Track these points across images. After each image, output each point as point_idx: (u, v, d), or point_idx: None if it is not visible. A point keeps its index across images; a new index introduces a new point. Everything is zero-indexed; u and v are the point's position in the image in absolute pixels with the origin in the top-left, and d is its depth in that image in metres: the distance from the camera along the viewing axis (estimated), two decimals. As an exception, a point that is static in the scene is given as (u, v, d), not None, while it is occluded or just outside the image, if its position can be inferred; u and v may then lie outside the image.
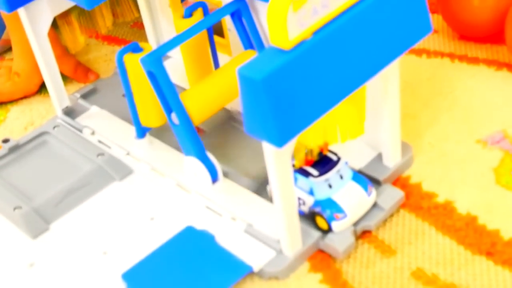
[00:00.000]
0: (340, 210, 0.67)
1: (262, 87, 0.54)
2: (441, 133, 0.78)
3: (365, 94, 0.68)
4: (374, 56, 0.61)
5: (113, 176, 0.77)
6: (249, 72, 0.55)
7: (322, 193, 0.68)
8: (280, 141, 0.56)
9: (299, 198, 0.69)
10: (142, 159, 0.79)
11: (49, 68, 0.83)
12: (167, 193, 0.75)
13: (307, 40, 0.56)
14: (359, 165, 0.74)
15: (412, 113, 0.81)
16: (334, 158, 0.69)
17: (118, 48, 1.00)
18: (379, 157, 0.74)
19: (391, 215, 0.71)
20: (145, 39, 0.96)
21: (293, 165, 0.67)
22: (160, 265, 0.67)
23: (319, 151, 0.68)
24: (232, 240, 0.69)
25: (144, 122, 0.78)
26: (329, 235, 0.67)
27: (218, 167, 0.73)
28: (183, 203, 0.73)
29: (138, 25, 1.04)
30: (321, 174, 0.67)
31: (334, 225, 0.67)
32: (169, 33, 0.91)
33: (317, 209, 0.68)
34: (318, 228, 0.69)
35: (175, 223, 0.71)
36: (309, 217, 0.69)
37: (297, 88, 0.56)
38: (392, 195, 0.71)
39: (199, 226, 0.70)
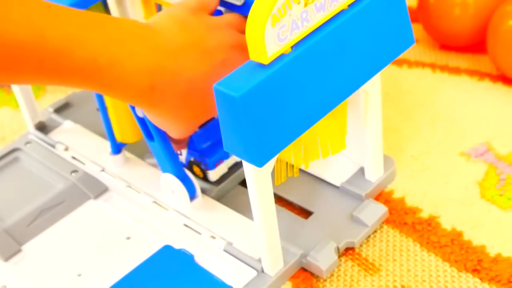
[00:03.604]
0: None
1: (240, 104, 0.52)
2: (424, 146, 0.77)
3: (346, 108, 0.66)
4: (356, 70, 0.59)
5: (87, 194, 0.75)
6: (226, 88, 0.53)
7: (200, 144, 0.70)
8: (260, 161, 0.54)
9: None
10: (117, 176, 0.77)
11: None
12: (143, 211, 0.73)
13: (286, 54, 0.55)
14: (340, 180, 0.72)
15: (393, 125, 0.80)
16: None
17: (92, 60, 0.98)
18: (361, 171, 0.73)
19: (374, 231, 0.69)
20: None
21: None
22: (137, 286, 0.65)
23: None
24: (211, 260, 0.67)
25: (120, 137, 0.76)
26: (312, 253, 0.65)
27: (196, 183, 0.71)
28: (161, 222, 0.71)
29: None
30: (200, 128, 0.70)
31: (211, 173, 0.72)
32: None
33: (194, 159, 0.71)
34: (195, 176, 0.73)
35: (152, 242, 0.69)
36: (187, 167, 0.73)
37: (277, 105, 0.54)
38: (375, 211, 0.69)
39: (177, 245, 0.68)
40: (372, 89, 0.66)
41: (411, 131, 0.79)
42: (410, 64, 0.88)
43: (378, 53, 0.61)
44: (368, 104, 0.66)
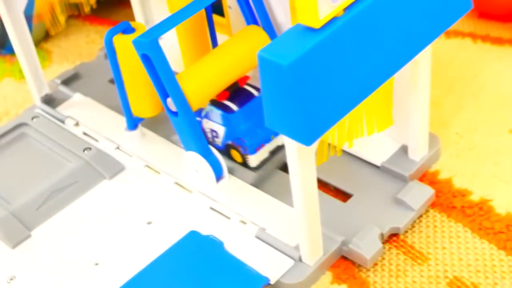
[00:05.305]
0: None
1: (289, 74, 0.46)
2: (469, 123, 0.70)
3: (392, 80, 0.60)
4: (412, 36, 0.53)
5: (102, 173, 0.69)
6: (273, 56, 0.46)
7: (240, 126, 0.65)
8: (309, 139, 0.48)
9: (212, 131, 0.67)
10: (134, 154, 0.70)
11: (25, 50, 0.74)
12: (165, 193, 0.66)
13: (339, 17, 0.48)
14: (380, 159, 0.66)
15: (434, 100, 0.73)
16: (254, 91, 0.67)
17: (101, 29, 0.91)
18: (402, 149, 0.66)
19: (420, 216, 0.63)
20: (131, 18, 0.87)
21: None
22: (160, 277, 0.59)
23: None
24: (242, 247, 0.60)
25: (136, 111, 0.69)
26: (354, 241, 0.59)
27: (223, 162, 0.65)
28: (184, 205, 0.65)
29: (124, 3, 0.94)
30: (240, 108, 0.65)
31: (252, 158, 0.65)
32: (159, 11, 0.82)
33: (232, 142, 0.65)
34: (233, 161, 0.67)
35: (176, 227, 0.63)
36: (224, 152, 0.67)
37: (328, 75, 0.48)
38: (421, 193, 0.63)
39: (203, 231, 0.62)
40: (422, 59, 0.59)
41: (453, 106, 0.72)
42: (448, 34, 0.81)
43: (435, 18, 0.54)
44: (418, 75, 0.60)
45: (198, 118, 0.68)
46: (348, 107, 0.50)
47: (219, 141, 0.67)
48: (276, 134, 0.66)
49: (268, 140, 0.66)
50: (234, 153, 0.66)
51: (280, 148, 0.67)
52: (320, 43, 0.47)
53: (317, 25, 0.47)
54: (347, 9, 0.49)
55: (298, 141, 0.48)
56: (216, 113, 0.66)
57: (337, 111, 0.49)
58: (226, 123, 0.66)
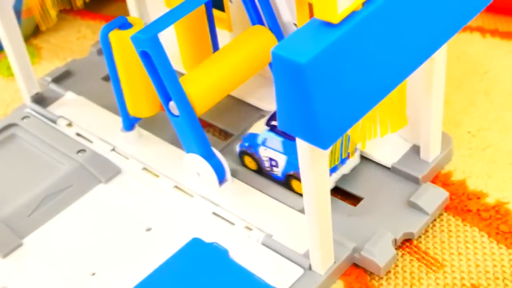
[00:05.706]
0: None
1: (307, 72, 0.42)
2: (481, 121, 0.68)
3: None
4: (432, 31, 0.50)
5: (97, 177, 0.66)
6: (289, 53, 0.43)
7: None
8: (326, 142, 0.45)
9: (271, 159, 0.61)
10: (131, 156, 0.67)
11: (14, 46, 0.71)
12: (164, 197, 0.63)
13: (358, 12, 0.45)
14: (391, 160, 0.63)
15: (444, 97, 0.70)
16: None
17: (92, 24, 0.88)
18: (413, 150, 0.64)
19: (433, 220, 0.60)
20: (124, 13, 0.83)
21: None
22: (163, 287, 0.56)
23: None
24: (248, 255, 0.57)
25: (133, 111, 0.66)
26: (366, 247, 0.56)
27: (226, 165, 0.62)
28: (185, 210, 0.62)
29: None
30: None
31: None
32: (155, 6, 0.78)
33: (295, 172, 0.60)
34: (294, 192, 0.61)
35: (177, 234, 0.60)
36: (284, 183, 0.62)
37: (347, 73, 0.45)
38: (435, 196, 0.60)
39: (206, 237, 0.59)
40: (439, 56, 0.56)
41: (464, 104, 0.70)
42: (455, 28, 0.78)
43: (455, 12, 0.51)
44: (432, 72, 0.57)
45: (245, 144, 0.64)
46: (367, 107, 0.47)
47: (278, 171, 0.62)
48: (342, 162, 0.61)
49: (334, 169, 0.60)
50: (296, 184, 0.61)
51: (344, 177, 0.63)
52: (340, 39, 0.43)
53: (335, 19, 0.43)
54: (365, 3, 0.45)
55: (315, 145, 0.45)
56: (276, 140, 0.61)
57: (355, 112, 0.46)
58: (288, 151, 0.61)
